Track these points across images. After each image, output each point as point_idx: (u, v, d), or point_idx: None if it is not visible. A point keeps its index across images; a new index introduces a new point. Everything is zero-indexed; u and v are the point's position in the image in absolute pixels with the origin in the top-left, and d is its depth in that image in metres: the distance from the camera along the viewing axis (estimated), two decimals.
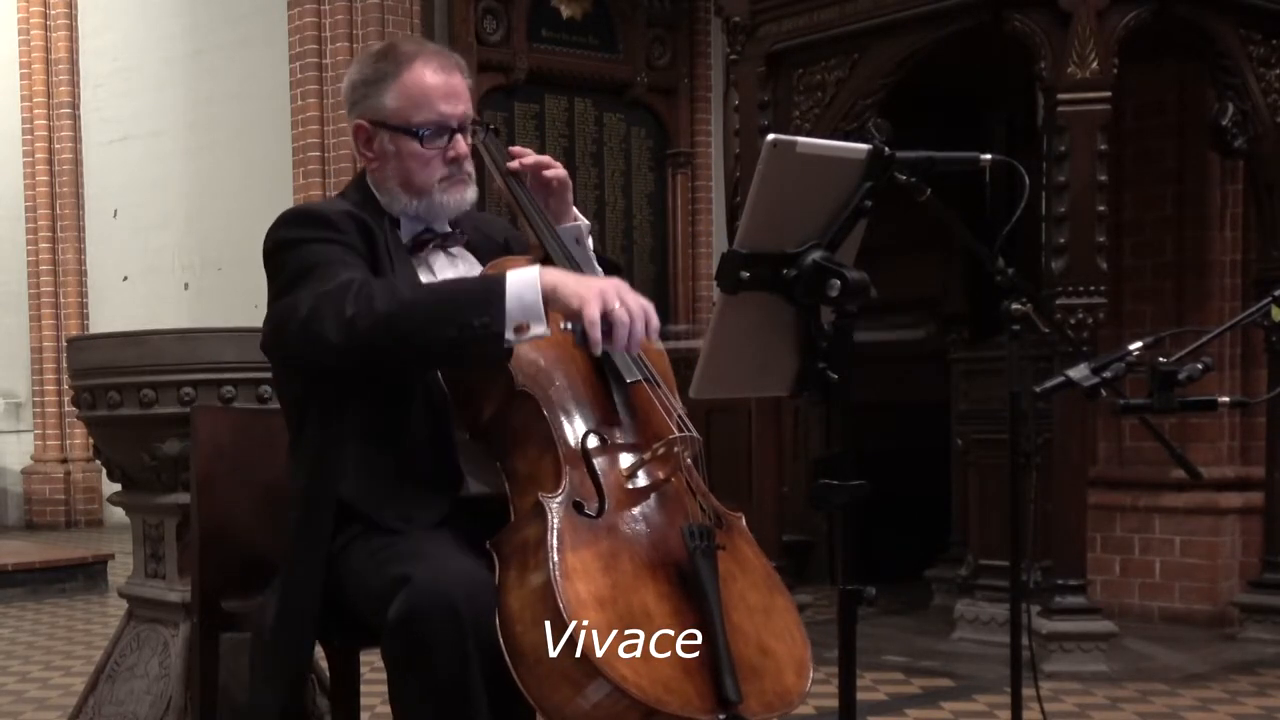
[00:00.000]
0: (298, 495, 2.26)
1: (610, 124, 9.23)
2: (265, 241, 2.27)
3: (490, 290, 2.00)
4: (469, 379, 2.20)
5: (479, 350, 2.01)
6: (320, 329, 2.07)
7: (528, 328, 1.98)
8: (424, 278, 2.30)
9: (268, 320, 2.26)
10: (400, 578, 2.01)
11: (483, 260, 2.37)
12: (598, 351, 2.00)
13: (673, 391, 2.22)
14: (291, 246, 2.22)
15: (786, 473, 6.04)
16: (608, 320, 1.97)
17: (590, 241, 2.45)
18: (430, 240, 2.35)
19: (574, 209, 2.45)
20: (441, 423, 2.24)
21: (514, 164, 2.40)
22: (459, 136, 2.31)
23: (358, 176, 2.41)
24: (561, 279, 2.02)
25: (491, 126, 2.44)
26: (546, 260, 2.30)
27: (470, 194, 2.35)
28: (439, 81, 2.29)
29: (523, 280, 2.00)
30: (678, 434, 2.12)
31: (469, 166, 2.34)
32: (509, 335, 1.98)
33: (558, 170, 2.41)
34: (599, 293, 1.98)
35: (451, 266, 2.37)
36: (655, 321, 2.03)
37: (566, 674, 1.88)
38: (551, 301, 1.99)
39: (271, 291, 2.26)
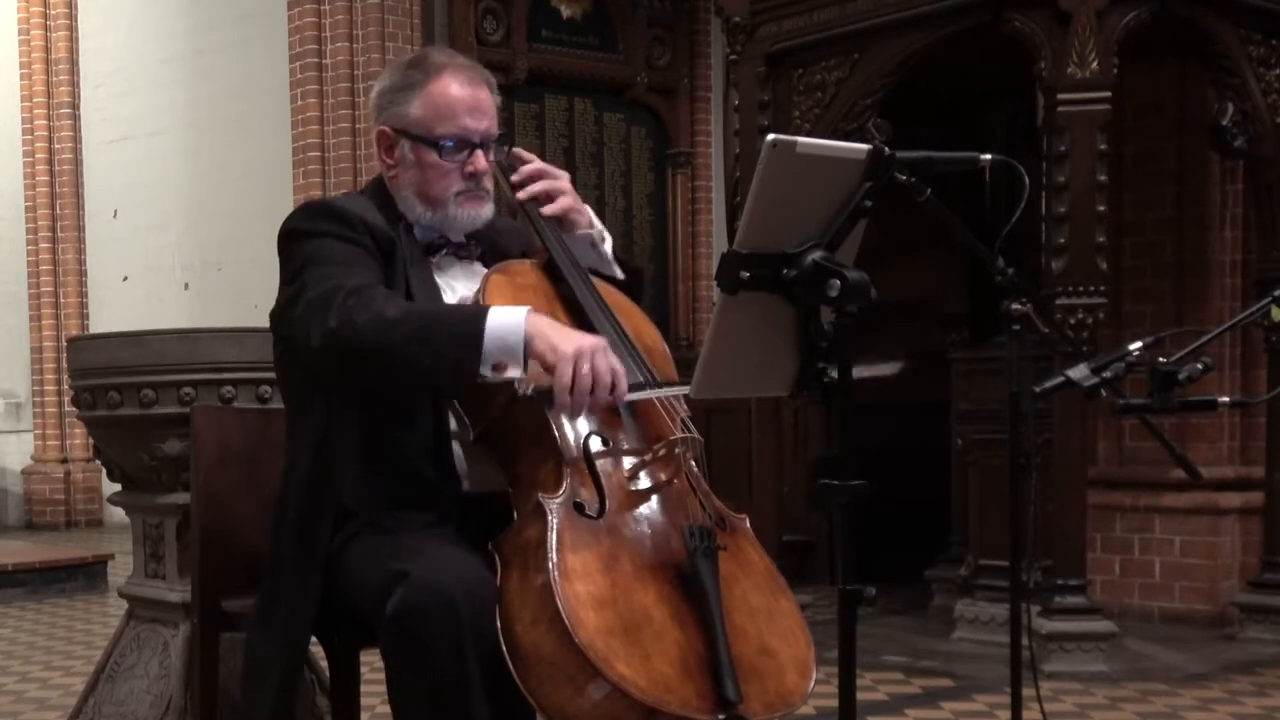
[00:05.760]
0: (295, 487, 2.27)
1: (610, 124, 9.23)
2: (282, 226, 2.28)
3: (473, 327, 2.01)
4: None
5: (451, 383, 2.06)
6: (305, 331, 2.10)
7: (505, 367, 2.01)
8: (439, 282, 2.31)
9: (276, 303, 2.28)
10: (398, 573, 2.01)
11: None
12: (561, 415, 2.02)
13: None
14: (303, 238, 2.23)
15: (786, 473, 6.04)
16: (575, 378, 1.98)
17: (609, 245, 2.45)
18: (443, 248, 2.35)
19: (589, 216, 2.43)
20: (442, 426, 2.24)
21: (521, 195, 2.38)
22: (479, 152, 2.30)
23: (377, 179, 2.40)
24: (544, 329, 2.02)
25: (507, 146, 2.41)
26: (550, 264, 2.31)
27: (486, 211, 2.34)
28: (465, 95, 2.29)
29: (506, 322, 2.01)
30: (679, 435, 2.12)
31: (487, 183, 2.33)
32: (486, 373, 2.01)
33: (556, 206, 2.38)
34: (575, 351, 1.99)
35: (466, 274, 2.36)
36: (623, 388, 2.03)
37: (567, 674, 1.88)
38: (530, 349, 2.00)
39: (281, 277, 2.27)
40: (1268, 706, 4.29)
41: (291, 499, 2.28)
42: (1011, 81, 5.49)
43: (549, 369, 2.00)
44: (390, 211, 2.33)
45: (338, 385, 2.22)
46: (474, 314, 2.05)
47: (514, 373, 2.01)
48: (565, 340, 2.01)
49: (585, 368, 1.98)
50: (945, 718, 4.21)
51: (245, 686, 2.31)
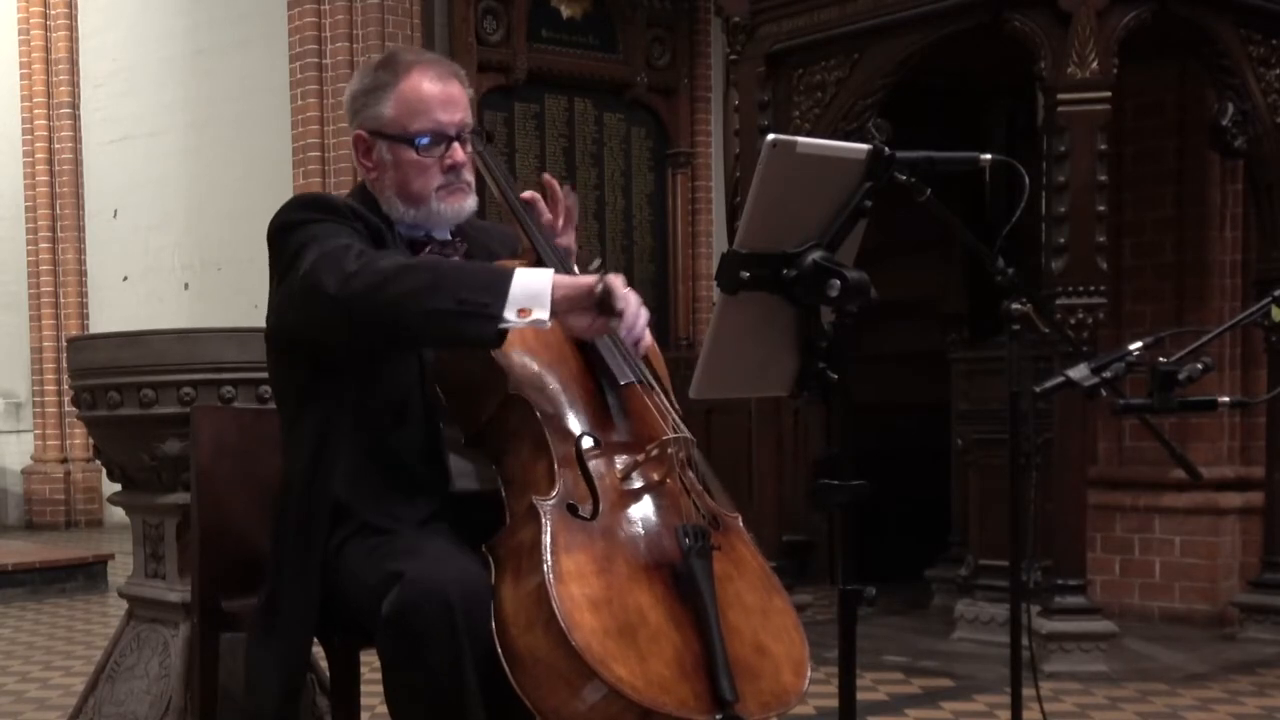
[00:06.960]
0: (294, 492, 2.26)
1: (610, 124, 9.23)
2: (271, 223, 2.27)
3: (497, 273, 2.03)
4: (463, 382, 2.20)
5: (472, 328, 2.00)
6: (319, 280, 2.06)
7: (530, 312, 1.98)
8: None
9: (270, 304, 2.27)
10: (394, 574, 2.01)
11: None
12: (619, 306, 2.01)
13: (669, 393, 2.22)
14: (296, 227, 2.21)
15: (786, 473, 6.04)
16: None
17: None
18: (427, 245, 2.35)
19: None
20: (433, 427, 2.24)
21: (527, 194, 2.42)
22: (456, 145, 2.31)
23: (359, 185, 2.40)
24: (568, 277, 2.07)
25: (486, 132, 2.44)
26: (539, 264, 2.31)
27: (469, 203, 2.34)
28: (436, 90, 2.29)
29: (533, 271, 2.04)
30: (671, 435, 2.12)
31: (468, 175, 2.33)
32: (510, 316, 1.98)
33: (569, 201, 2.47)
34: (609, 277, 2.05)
35: None
36: (647, 317, 2.12)
37: (563, 676, 1.88)
38: (558, 286, 2.00)
39: (273, 272, 2.25)
40: (1268, 706, 4.29)
41: (288, 504, 2.27)
42: (1011, 81, 5.49)
43: (581, 298, 2.01)
44: (375, 215, 2.32)
45: (331, 389, 2.21)
46: (500, 267, 2.09)
47: (540, 315, 1.98)
48: (586, 278, 2.07)
49: (623, 289, 2.03)
50: (945, 718, 4.21)
51: (249, 694, 2.28)
